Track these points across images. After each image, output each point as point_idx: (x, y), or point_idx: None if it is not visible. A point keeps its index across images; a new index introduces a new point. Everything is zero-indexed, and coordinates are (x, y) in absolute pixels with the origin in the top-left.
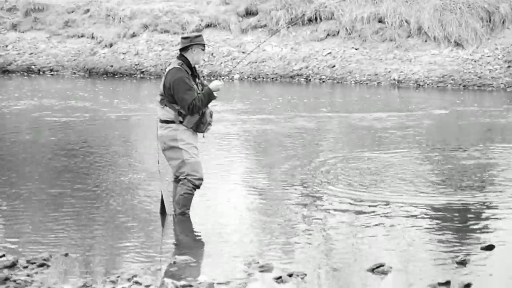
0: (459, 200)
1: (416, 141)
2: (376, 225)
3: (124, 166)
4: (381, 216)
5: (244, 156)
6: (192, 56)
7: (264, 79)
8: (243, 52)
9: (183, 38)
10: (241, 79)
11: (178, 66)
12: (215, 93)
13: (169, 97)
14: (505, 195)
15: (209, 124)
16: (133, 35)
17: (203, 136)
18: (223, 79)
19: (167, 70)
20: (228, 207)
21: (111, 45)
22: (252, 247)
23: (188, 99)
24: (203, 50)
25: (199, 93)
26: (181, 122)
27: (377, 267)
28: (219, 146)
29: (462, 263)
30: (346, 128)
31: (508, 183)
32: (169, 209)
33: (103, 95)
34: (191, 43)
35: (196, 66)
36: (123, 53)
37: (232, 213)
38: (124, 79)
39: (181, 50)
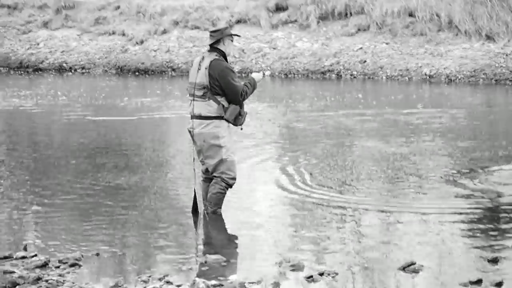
0: (489, 199)
1: (448, 137)
2: (407, 224)
3: (156, 165)
4: (411, 216)
5: (277, 155)
6: (225, 48)
7: (295, 76)
8: (274, 48)
9: (212, 32)
10: (272, 75)
11: (218, 57)
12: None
13: (215, 88)
14: None
15: (246, 115)
16: (164, 32)
17: (241, 129)
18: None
19: (206, 62)
20: (260, 206)
21: (142, 42)
22: (283, 246)
23: (239, 86)
24: (232, 41)
25: (245, 83)
26: (222, 117)
27: (408, 266)
28: (252, 143)
29: (494, 261)
30: (382, 124)
31: None
32: (201, 208)
33: (134, 93)
34: (222, 35)
35: (228, 57)
36: (154, 50)
37: (263, 213)
38: (155, 76)
39: (213, 44)
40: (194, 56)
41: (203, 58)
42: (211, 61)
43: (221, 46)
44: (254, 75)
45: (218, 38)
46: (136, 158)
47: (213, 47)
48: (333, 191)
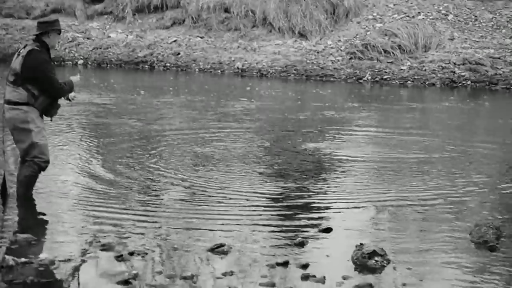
0: (296, 186)
1: (255, 126)
2: (216, 208)
3: None
4: (221, 202)
5: (79, 140)
6: (49, 40)
7: (109, 66)
8: (88, 38)
9: (40, 23)
10: (85, 64)
11: (38, 48)
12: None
13: (27, 76)
14: (340, 182)
15: (59, 107)
16: None
17: (51, 120)
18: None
19: (25, 50)
20: (70, 188)
21: None
22: (95, 226)
23: (57, 80)
24: (59, 34)
25: (63, 82)
26: (32, 104)
27: (217, 247)
28: (60, 129)
29: (300, 244)
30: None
31: (343, 169)
32: (12, 188)
33: None
34: (48, 28)
35: (51, 49)
36: None
37: (74, 195)
38: None
39: (39, 35)
40: (7, 44)
41: (25, 46)
42: (29, 50)
43: (45, 38)
44: (73, 78)
45: (44, 30)
46: None
47: (37, 38)
48: (142, 171)
